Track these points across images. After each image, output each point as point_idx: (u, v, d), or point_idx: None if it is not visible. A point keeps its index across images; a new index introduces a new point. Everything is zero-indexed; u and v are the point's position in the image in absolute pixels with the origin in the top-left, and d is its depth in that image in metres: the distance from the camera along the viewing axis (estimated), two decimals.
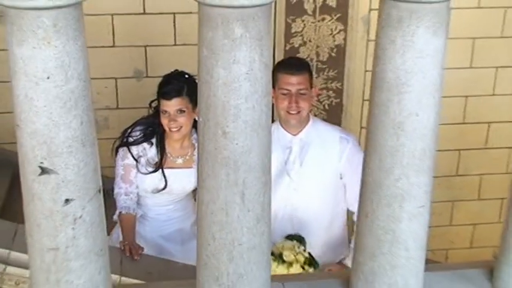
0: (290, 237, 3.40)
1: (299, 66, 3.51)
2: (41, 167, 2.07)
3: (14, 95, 2.02)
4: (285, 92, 3.40)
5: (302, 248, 3.33)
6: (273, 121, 3.49)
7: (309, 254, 3.34)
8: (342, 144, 3.52)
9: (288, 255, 3.24)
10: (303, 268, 3.24)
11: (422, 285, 2.54)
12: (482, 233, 5.83)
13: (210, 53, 2.05)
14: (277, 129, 3.51)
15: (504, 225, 2.63)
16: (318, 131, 3.55)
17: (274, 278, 2.54)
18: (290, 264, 3.22)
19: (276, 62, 4.61)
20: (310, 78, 3.51)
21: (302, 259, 3.25)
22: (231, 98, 2.08)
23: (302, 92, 3.40)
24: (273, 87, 3.43)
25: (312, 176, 3.51)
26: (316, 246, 3.48)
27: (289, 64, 3.58)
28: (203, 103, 2.15)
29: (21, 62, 1.96)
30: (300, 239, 3.38)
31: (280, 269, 3.21)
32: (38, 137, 2.03)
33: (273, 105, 3.46)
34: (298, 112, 3.42)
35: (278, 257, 3.25)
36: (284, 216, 3.52)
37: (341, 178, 3.54)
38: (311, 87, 3.49)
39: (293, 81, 3.39)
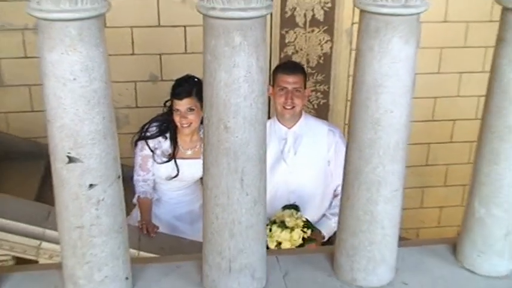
0: (286, 207, 3.39)
1: (295, 68, 3.51)
2: (68, 157, 2.06)
3: (44, 94, 2.02)
4: (282, 89, 3.40)
5: (299, 213, 3.33)
6: (269, 118, 3.50)
7: (306, 219, 3.33)
8: (330, 136, 3.53)
9: (289, 221, 3.24)
10: (303, 231, 3.24)
11: (396, 258, 2.53)
12: (448, 214, 5.83)
13: (213, 58, 2.04)
14: (274, 123, 3.53)
15: (465, 208, 2.62)
16: (309, 125, 3.55)
17: (269, 252, 2.53)
18: (292, 228, 3.22)
19: (271, 68, 4.61)
20: (304, 80, 3.51)
21: (301, 223, 3.25)
22: (231, 97, 2.07)
23: (297, 90, 3.40)
24: (273, 85, 3.44)
25: (304, 163, 3.52)
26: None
27: (286, 66, 3.59)
28: (207, 102, 2.14)
29: (51, 66, 1.95)
30: (295, 207, 3.38)
31: (284, 234, 3.20)
32: (66, 130, 2.02)
33: (269, 103, 3.46)
34: (293, 107, 3.42)
35: (281, 223, 3.25)
36: (282, 195, 3.51)
37: (329, 165, 3.53)
38: (305, 87, 3.49)
39: (289, 80, 3.39)
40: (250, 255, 2.35)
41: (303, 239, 3.24)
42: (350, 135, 2.34)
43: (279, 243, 3.21)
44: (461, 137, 5.52)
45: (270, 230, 3.21)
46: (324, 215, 3.57)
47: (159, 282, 2.49)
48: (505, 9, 2.28)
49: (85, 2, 1.87)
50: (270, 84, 3.57)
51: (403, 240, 2.64)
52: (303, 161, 3.51)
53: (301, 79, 3.45)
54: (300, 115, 3.53)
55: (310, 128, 3.54)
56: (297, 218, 3.27)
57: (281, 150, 3.52)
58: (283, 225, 3.24)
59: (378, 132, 2.23)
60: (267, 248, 3.14)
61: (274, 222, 3.26)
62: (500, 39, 2.32)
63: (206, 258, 2.40)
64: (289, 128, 3.52)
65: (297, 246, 3.23)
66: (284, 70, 3.47)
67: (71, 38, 1.90)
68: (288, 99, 3.40)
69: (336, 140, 3.51)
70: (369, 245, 2.42)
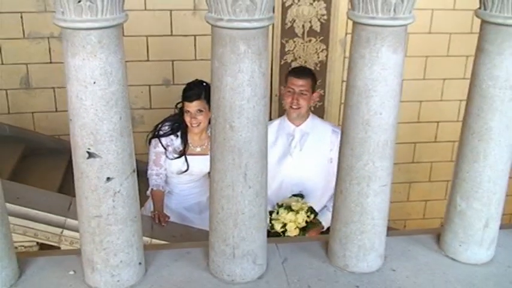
0: (293, 195, 3.41)
1: (304, 73, 3.52)
2: (88, 152, 2.06)
3: (67, 96, 2.02)
4: (290, 90, 3.42)
5: (304, 200, 3.34)
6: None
7: (310, 206, 3.35)
8: (333, 136, 3.52)
9: (295, 205, 3.27)
10: (307, 216, 3.25)
11: (385, 247, 2.53)
12: (432, 207, 5.82)
13: (220, 65, 2.04)
14: (283, 121, 3.55)
15: (448, 202, 2.62)
16: (314, 125, 3.55)
17: (269, 240, 2.52)
18: (297, 211, 3.24)
19: (272, 74, 4.63)
20: (313, 84, 3.50)
21: (306, 208, 3.27)
22: (236, 100, 2.07)
23: (303, 92, 3.41)
24: (284, 87, 3.47)
25: (308, 158, 3.52)
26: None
27: (297, 70, 3.61)
28: (215, 104, 2.13)
29: (74, 70, 1.95)
30: (301, 196, 3.40)
31: (290, 215, 3.22)
32: (86, 128, 2.03)
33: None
34: (298, 108, 3.44)
35: (288, 207, 3.27)
36: (287, 186, 3.52)
37: (331, 162, 3.53)
38: (313, 91, 3.49)
39: (297, 83, 3.41)
40: (252, 242, 2.35)
41: (306, 222, 3.26)
42: (343, 135, 2.34)
43: (285, 225, 3.23)
44: (444, 137, 5.52)
45: (277, 213, 3.23)
46: (324, 206, 3.58)
47: (170, 267, 2.49)
48: (483, 22, 2.28)
49: (105, 13, 1.88)
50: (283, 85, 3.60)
51: (391, 230, 2.64)
52: (307, 156, 3.52)
53: (309, 83, 3.45)
54: (307, 115, 3.54)
55: (315, 127, 3.55)
56: (302, 203, 3.29)
57: (288, 145, 3.53)
58: (289, 208, 3.26)
59: (368, 132, 2.23)
60: (275, 233, 3.16)
61: (281, 206, 3.29)
62: (479, 49, 2.32)
63: (212, 245, 2.40)
64: (297, 126, 3.53)
65: (300, 229, 3.24)
66: (295, 74, 3.49)
67: (92, 46, 1.91)
68: (294, 99, 3.42)
69: (338, 140, 3.50)
70: (360, 234, 2.42)
